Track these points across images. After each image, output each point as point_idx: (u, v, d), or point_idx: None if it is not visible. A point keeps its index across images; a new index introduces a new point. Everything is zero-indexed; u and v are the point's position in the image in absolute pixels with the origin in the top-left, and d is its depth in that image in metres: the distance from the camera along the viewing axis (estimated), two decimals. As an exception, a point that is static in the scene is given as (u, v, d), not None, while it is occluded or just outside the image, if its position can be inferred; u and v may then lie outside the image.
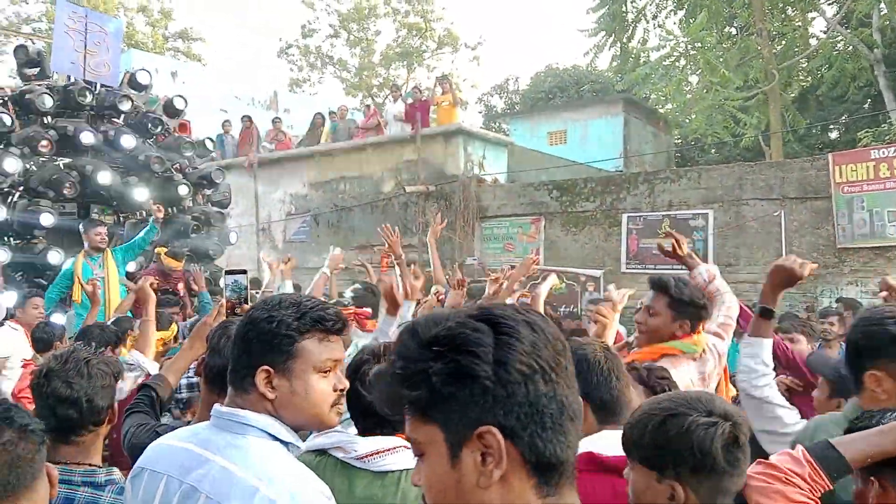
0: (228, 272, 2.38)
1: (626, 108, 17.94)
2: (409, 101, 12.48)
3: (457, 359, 0.86)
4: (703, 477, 1.38)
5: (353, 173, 12.90)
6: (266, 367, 1.46)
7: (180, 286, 7.39)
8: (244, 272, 2.41)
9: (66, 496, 1.83)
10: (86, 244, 6.57)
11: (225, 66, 31.32)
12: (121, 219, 8.16)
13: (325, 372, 1.51)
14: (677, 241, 3.21)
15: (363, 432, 1.81)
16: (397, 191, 12.07)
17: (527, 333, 0.88)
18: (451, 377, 0.86)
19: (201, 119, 13.88)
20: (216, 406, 1.52)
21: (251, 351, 1.48)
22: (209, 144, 9.37)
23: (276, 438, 1.46)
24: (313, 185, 13.52)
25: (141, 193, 7.76)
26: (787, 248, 8.84)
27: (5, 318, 5.95)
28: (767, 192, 9.11)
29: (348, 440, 1.77)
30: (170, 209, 8.60)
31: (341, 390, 1.55)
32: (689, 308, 2.74)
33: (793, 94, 17.77)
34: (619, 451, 1.55)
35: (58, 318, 6.01)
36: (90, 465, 1.95)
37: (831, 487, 1.48)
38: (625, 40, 17.27)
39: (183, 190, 8.48)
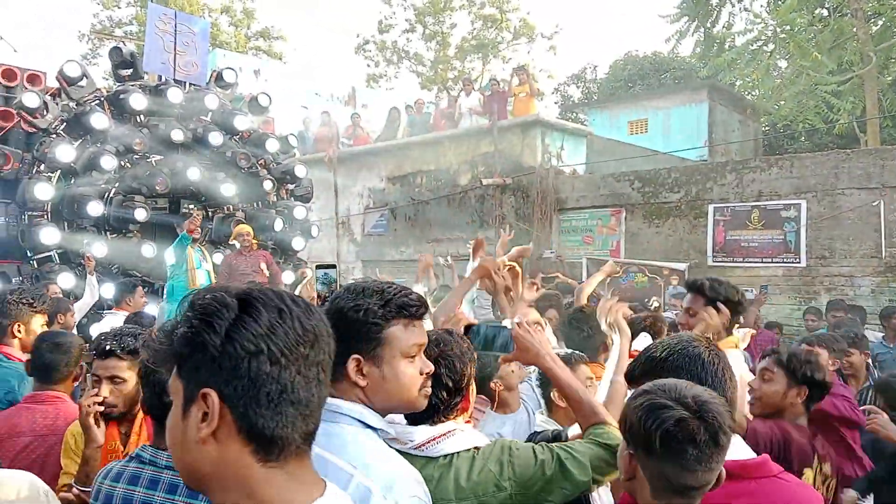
0: (319, 266, 2.42)
1: (710, 95, 17.29)
2: (487, 93, 12.40)
3: (195, 326, 0.96)
4: (647, 456, 1.43)
5: (429, 166, 12.95)
6: (356, 356, 1.49)
7: (263, 266, 7.52)
8: (333, 266, 2.45)
9: (171, 482, 1.88)
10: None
11: (304, 63, 32.06)
12: (209, 213, 8.44)
13: (412, 357, 1.55)
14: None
15: (413, 422, 1.82)
16: (473, 183, 12.05)
17: (269, 317, 0.98)
18: (186, 340, 0.96)
19: (283, 116, 14.25)
20: None
21: (340, 339, 1.49)
22: (292, 140, 9.59)
23: (367, 426, 1.47)
24: (391, 179, 13.66)
25: (228, 189, 8.01)
26: (886, 239, 8.34)
27: (107, 307, 6.30)
28: (865, 180, 8.60)
29: (404, 431, 1.78)
30: (255, 203, 8.86)
31: (427, 373, 1.58)
32: (725, 306, 2.87)
33: (890, 78, 16.72)
34: (732, 455, 1.54)
35: (150, 309, 6.31)
36: None
37: None
38: (709, 25, 16.71)
39: (267, 185, 8.72)
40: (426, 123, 14.05)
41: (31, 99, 7.35)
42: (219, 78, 9.02)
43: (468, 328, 2.08)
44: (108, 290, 6.86)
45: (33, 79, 8.29)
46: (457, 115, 13.31)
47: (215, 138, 8.11)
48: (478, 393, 2.19)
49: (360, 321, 1.49)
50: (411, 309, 1.54)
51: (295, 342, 0.99)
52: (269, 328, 0.97)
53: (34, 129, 7.63)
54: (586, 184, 11.24)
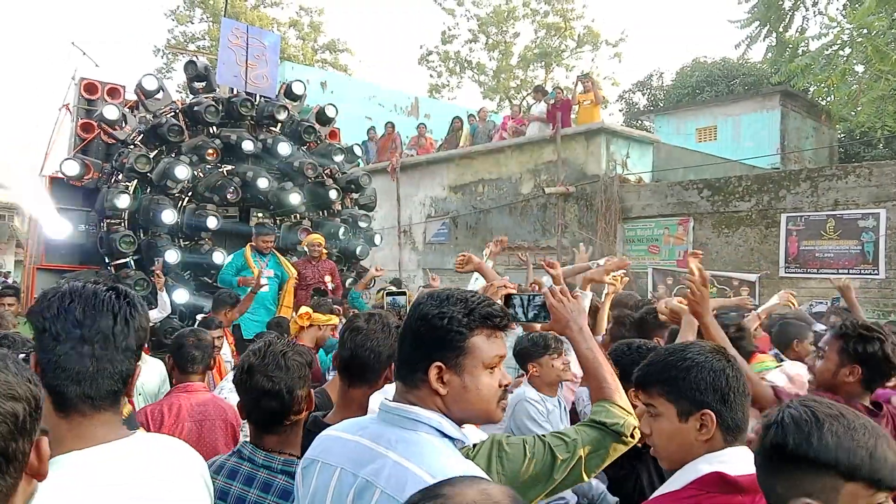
0: (389, 293, 2.48)
1: (783, 101, 16.75)
2: (551, 101, 12.32)
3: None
4: None
5: (491, 175, 12.94)
6: (438, 364, 1.49)
7: (327, 277, 7.68)
8: (403, 293, 2.51)
9: (265, 481, 1.97)
10: (252, 244, 7.22)
11: (368, 74, 32.57)
12: (277, 221, 8.64)
13: (492, 368, 1.54)
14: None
15: None
16: (536, 192, 11.97)
17: (58, 306, 1.38)
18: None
19: (348, 126, 14.49)
20: (384, 401, 1.55)
21: (423, 346, 1.50)
22: (357, 150, 9.74)
23: (444, 435, 1.47)
24: (452, 188, 13.70)
25: (295, 198, 8.18)
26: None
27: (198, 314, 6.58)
28: (950, 188, 8.17)
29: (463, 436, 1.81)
30: (320, 212, 9.03)
31: (505, 386, 1.57)
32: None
33: (974, 82, 15.84)
34: (746, 469, 1.53)
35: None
36: (290, 454, 2.05)
37: None
38: (781, 30, 16.17)
39: (333, 194, 8.87)
40: (489, 133, 14.04)
41: (110, 111, 7.68)
42: (288, 90, 9.23)
43: (508, 298, 2.05)
44: (181, 296, 7.10)
45: (113, 92, 8.67)
46: (527, 122, 13.23)
47: (284, 149, 8.30)
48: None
49: (443, 328, 1.50)
50: (495, 319, 1.54)
51: (71, 326, 1.35)
52: (54, 315, 1.36)
53: (113, 141, 7.97)
54: (653, 192, 11.01)
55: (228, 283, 6.92)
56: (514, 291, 2.11)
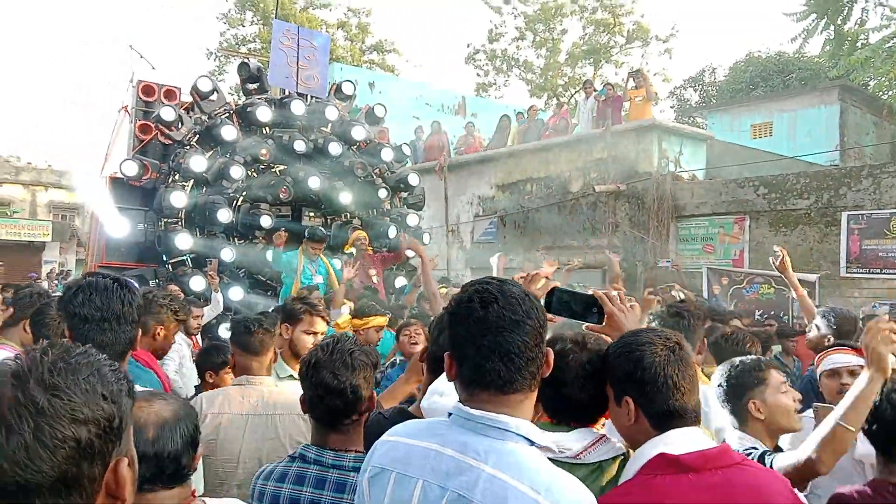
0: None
1: (842, 95, 16.21)
2: (602, 97, 12.16)
3: None
4: None
5: (540, 174, 12.84)
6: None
7: (371, 272, 7.70)
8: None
9: (338, 480, 1.94)
10: (303, 247, 7.29)
11: (416, 74, 32.72)
12: (328, 220, 8.73)
13: None
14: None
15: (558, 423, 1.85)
16: (586, 190, 11.82)
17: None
18: None
19: (396, 126, 14.56)
20: (461, 407, 1.43)
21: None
22: (405, 150, 9.77)
23: (532, 443, 1.40)
24: (500, 187, 13.64)
25: (345, 197, 8.26)
26: None
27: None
28: None
29: (560, 440, 1.77)
30: (370, 211, 9.09)
31: None
32: None
33: None
34: (689, 447, 1.59)
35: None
36: (356, 451, 2.03)
37: None
38: (839, 22, 15.66)
39: (382, 193, 8.92)
40: (539, 131, 13.94)
41: (167, 113, 7.86)
42: (338, 90, 9.31)
43: (551, 292, 1.97)
44: (236, 294, 7.23)
45: (169, 94, 8.88)
46: (572, 123, 13.11)
47: (334, 148, 8.38)
48: None
49: None
50: None
51: (93, 310, 2.04)
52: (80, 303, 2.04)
53: (170, 141, 8.16)
54: (707, 190, 10.77)
55: (290, 276, 7.11)
56: (559, 284, 2.05)
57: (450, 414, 1.46)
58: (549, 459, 1.53)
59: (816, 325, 4.05)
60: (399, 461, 1.45)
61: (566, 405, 1.84)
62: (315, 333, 3.37)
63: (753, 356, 2.80)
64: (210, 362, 3.82)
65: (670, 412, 1.65)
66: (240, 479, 2.61)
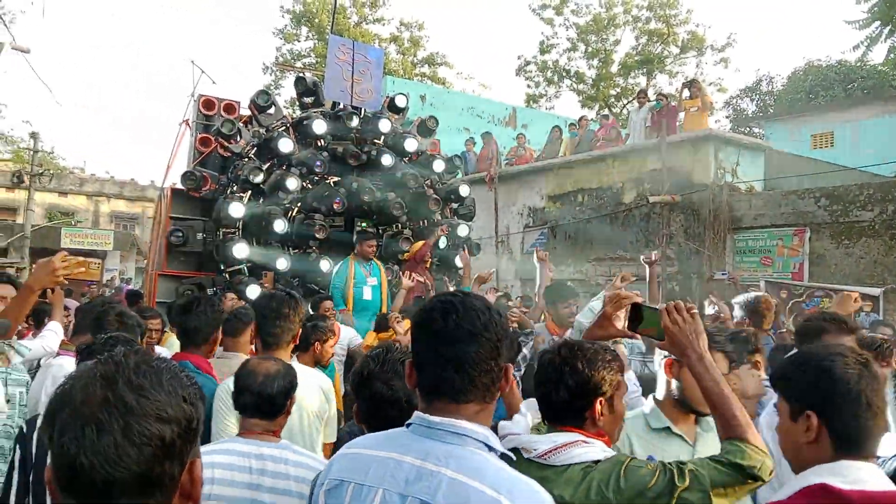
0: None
1: (908, 104, 15.63)
2: (656, 109, 12.00)
3: None
4: None
5: (592, 185, 12.72)
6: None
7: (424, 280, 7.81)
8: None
9: None
10: (356, 251, 7.46)
11: (466, 86, 32.85)
12: (380, 231, 8.82)
13: None
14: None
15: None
16: (639, 201, 11.66)
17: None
18: None
19: (447, 137, 14.64)
20: (420, 415, 1.46)
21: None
22: (456, 161, 9.82)
23: (490, 448, 1.41)
24: (551, 198, 13.57)
25: (397, 208, 8.34)
26: None
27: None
28: None
29: (529, 440, 1.81)
30: (421, 222, 9.15)
31: None
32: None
33: None
34: (857, 485, 1.45)
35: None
36: None
37: None
38: (904, 30, 15.12)
39: (433, 204, 8.96)
40: (590, 141, 13.83)
41: (226, 126, 8.10)
42: (391, 103, 9.42)
43: (636, 307, 1.94)
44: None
45: (228, 108, 9.12)
46: (627, 128, 12.96)
47: (387, 160, 8.48)
48: None
49: None
50: None
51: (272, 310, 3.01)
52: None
53: (229, 154, 8.38)
54: (765, 201, 10.50)
55: (340, 289, 7.26)
56: (640, 301, 2.03)
57: (408, 424, 1.48)
58: (513, 450, 1.63)
59: None
60: (357, 472, 1.45)
61: (548, 407, 1.89)
62: None
63: None
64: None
65: (858, 432, 1.54)
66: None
